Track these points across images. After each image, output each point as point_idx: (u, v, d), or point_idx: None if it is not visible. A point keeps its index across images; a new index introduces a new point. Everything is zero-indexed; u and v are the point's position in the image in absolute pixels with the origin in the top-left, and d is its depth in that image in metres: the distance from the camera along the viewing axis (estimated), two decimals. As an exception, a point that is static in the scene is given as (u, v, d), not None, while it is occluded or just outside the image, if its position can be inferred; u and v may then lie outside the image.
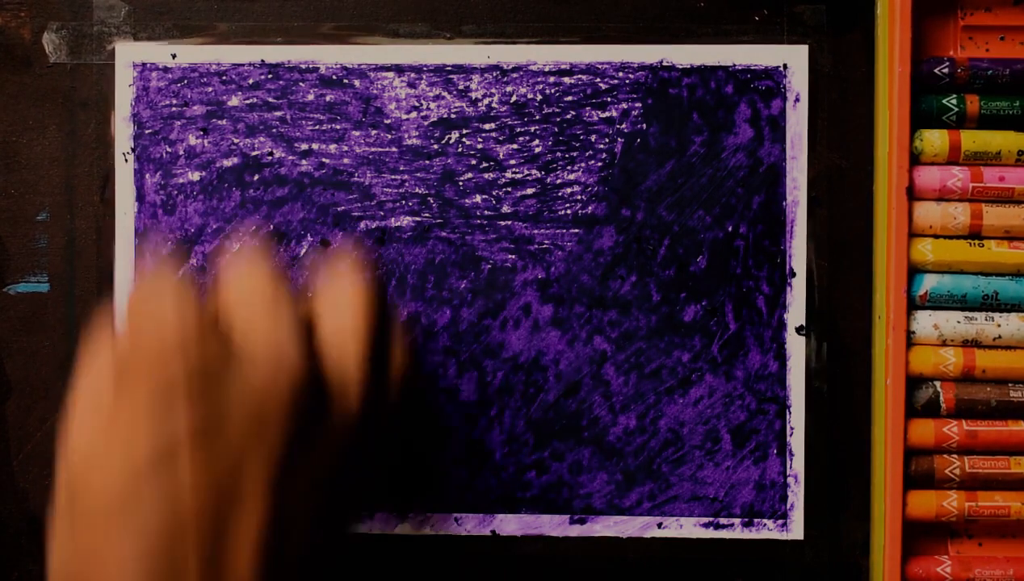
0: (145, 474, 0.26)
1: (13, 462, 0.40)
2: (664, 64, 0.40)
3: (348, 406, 0.30)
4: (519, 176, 0.40)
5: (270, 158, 0.40)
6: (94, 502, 0.26)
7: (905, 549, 0.39)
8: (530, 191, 0.40)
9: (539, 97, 0.40)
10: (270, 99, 0.40)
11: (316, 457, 0.29)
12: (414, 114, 0.40)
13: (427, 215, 0.40)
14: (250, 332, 0.28)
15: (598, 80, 0.40)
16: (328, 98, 0.40)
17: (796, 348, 0.40)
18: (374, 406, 0.31)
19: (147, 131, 0.40)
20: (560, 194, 0.40)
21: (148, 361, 0.27)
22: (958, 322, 0.39)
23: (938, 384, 0.39)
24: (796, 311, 0.40)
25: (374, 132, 0.40)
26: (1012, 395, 0.38)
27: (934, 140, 0.38)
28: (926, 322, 0.39)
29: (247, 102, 0.40)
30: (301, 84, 0.40)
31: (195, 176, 0.40)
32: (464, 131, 0.40)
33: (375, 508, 0.40)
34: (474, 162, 0.40)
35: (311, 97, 0.40)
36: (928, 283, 0.39)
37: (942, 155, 0.39)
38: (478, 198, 0.40)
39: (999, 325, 0.39)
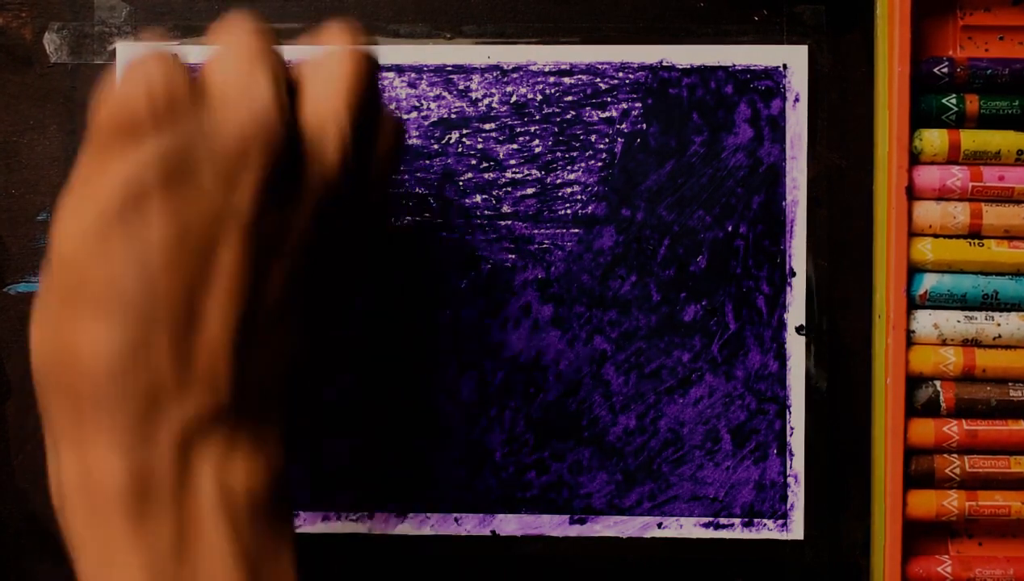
0: (115, 219, 0.25)
1: (13, 462, 0.40)
2: (664, 64, 0.40)
3: (324, 167, 0.29)
4: (519, 176, 0.40)
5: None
6: (67, 252, 0.26)
7: (905, 549, 0.39)
8: (530, 191, 0.40)
9: (539, 97, 0.40)
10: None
11: (294, 223, 0.28)
12: (414, 114, 0.40)
13: (427, 215, 0.40)
14: (229, 77, 0.28)
15: (598, 80, 0.40)
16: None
17: (796, 348, 0.40)
18: (356, 183, 0.30)
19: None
20: (560, 194, 0.40)
21: (116, 105, 0.26)
22: (958, 322, 0.39)
23: (938, 384, 0.39)
24: (796, 311, 0.40)
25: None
26: (1012, 395, 0.39)
27: (933, 140, 0.39)
28: (926, 322, 0.39)
29: (247, 102, 0.40)
30: (301, 84, 0.40)
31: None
32: (464, 131, 0.40)
33: (375, 508, 0.40)
34: (474, 162, 0.40)
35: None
36: (928, 283, 0.39)
37: (942, 155, 0.39)
38: (478, 198, 0.40)
39: (999, 324, 0.39)
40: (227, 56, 0.28)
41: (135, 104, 0.26)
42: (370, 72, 0.30)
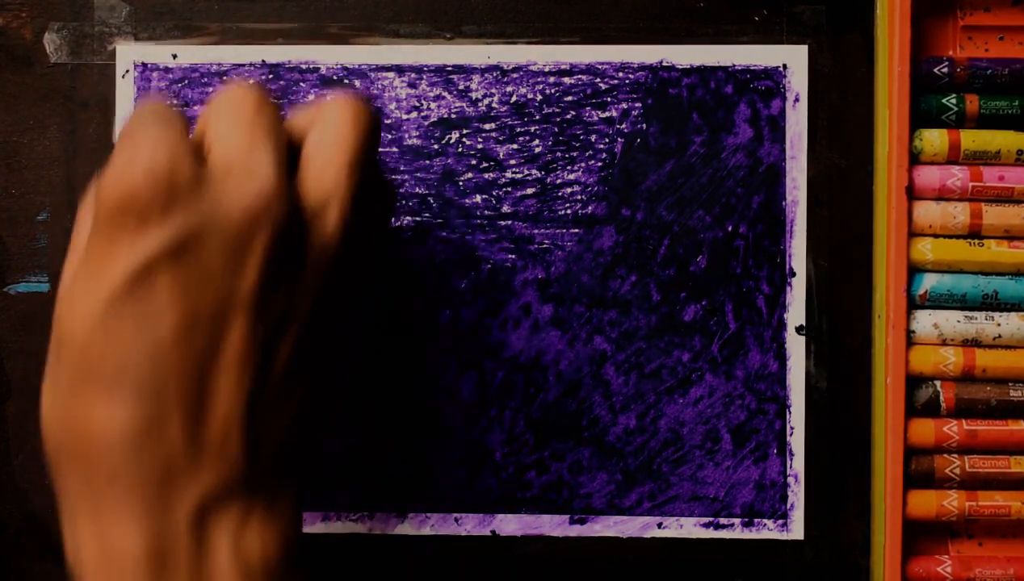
0: (124, 300, 0.25)
1: (13, 462, 0.40)
2: (664, 64, 0.40)
3: (326, 239, 0.29)
4: (519, 176, 0.40)
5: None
6: (77, 333, 0.26)
7: (905, 549, 0.39)
8: (530, 191, 0.40)
9: (539, 97, 0.40)
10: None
11: (298, 295, 0.28)
12: (414, 114, 0.40)
13: (427, 215, 0.40)
14: (230, 151, 0.28)
15: (598, 80, 0.40)
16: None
17: (796, 348, 0.40)
18: (353, 247, 0.30)
19: (147, 131, 0.40)
20: (560, 194, 0.40)
21: (121, 188, 0.26)
22: (958, 321, 0.39)
23: (938, 384, 0.39)
24: (796, 311, 0.40)
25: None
26: (1012, 395, 0.38)
27: (933, 140, 0.39)
28: (926, 321, 0.39)
29: (247, 102, 0.40)
30: (302, 84, 0.40)
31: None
32: (464, 131, 0.40)
33: (375, 508, 0.40)
34: (474, 162, 0.40)
35: (312, 97, 0.40)
36: (928, 282, 0.39)
37: (941, 154, 0.39)
38: (478, 198, 0.40)
39: (999, 324, 0.39)
40: (228, 127, 0.28)
41: (139, 189, 0.26)
42: (373, 137, 0.30)
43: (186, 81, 0.40)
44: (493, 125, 0.40)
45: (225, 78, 0.40)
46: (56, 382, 0.27)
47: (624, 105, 0.40)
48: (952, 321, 0.39)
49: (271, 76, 0.40)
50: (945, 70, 0.39)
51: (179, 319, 0.26)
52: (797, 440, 0.40)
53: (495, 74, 0.40)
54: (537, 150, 0.40)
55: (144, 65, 0.40)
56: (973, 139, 0.39)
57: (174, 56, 0.40)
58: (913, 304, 0.39)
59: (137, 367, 0.26)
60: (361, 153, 0.30)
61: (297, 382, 0.29)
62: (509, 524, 0.40)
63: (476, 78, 0.40)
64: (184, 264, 0.26)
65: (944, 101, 0.39)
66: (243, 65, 0.40)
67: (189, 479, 0.26)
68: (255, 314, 0.27)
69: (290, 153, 0.29)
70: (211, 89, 0.40)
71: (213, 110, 0.29)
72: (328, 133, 0.29)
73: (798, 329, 0.40)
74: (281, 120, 0.29)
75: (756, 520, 0.40)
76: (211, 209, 0.26)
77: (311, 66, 0.40)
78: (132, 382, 0.26)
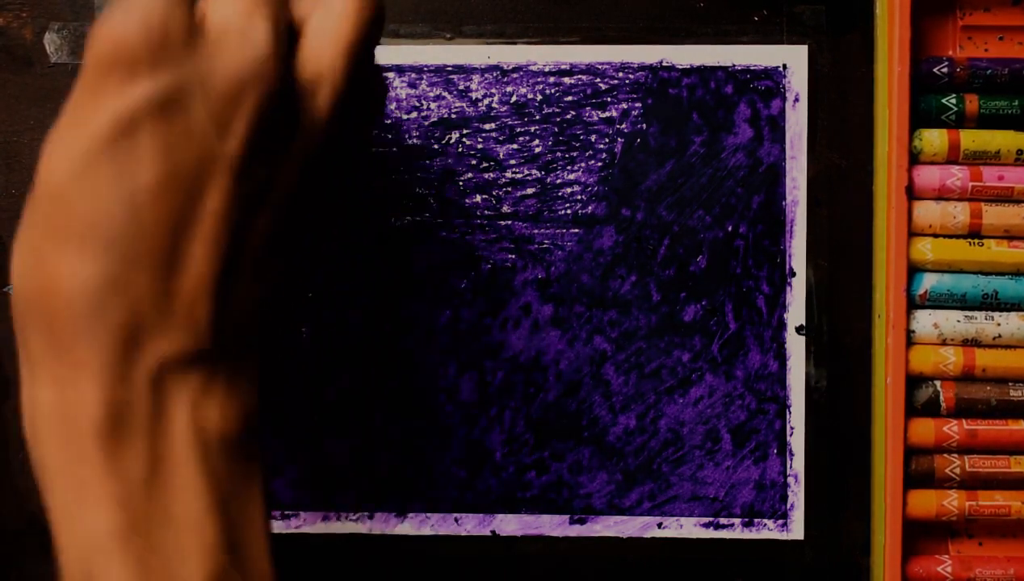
0: (104, 153, 0.25)
1: (13, 462, 0.40)
2: (664, 64, 0.40)
3: (315, 117, 0.29)
4: (519, 176, 0.40)
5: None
6: (53, 182, 0.26)
7: (905, 549, 0.39)
8: (530, 191, 0.40)
9: (539, 97, 0.40)
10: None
11: (282, 171, 0.28)
12: (414, 114, 0.40)
13: (427, 215, 0.40)
14: (228, 17, 0.27)
15: (598, 80, 0.40)
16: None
17: (796, 348, 0.40)
18: (340, 134, 0.30)
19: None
20: (560, 194, 0.40)
21: (113, 36, 0.26)
22: (958, 321, 0.39)
23: (938, 383, 0.39)
24: (796, 311, 0.40)
25: (374, 132, 0.40)
26: (1012, 394, 0.39)
27: (933, 139, 0.39)
28: (926, 321, 0.39)
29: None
30: (301, 84, 0.40)
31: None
32: (464, 131, 0.40)
33: (375, 508, 0.40)
34: (474, 162, 0.40)
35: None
36: (928, 282, 0.39)
37: (941, 154, 0.39)
38: (478, 198, 0.40)
39: (999, 324, 0.39)
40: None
41: (132, 39, 0.26)
42: (374, 28, 0.30)
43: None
44: (493, 125, 0.40)
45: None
46: (28, 235, 0.26)
47: (624, 105, 0.40)
48: (952, 321, 0.39)
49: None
50: (945, 70, 0.39)
51: (158, 175, 0.26)
52: (797, 440, 0.40)
53: (495, 74, 0.40)
54: (537, 150, 0.40)
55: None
56: (973, 139, 0.39)
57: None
58: (913, 304, 0.39)
59: (110, 221, 0.25)
60: (361, 39, 0.29)
61: (271, 257, 0.28)
62: (509, 524, 0.40)
63: (476, 78, 0.40)
64: (169, 120, 0.26)
65: (944, 101, 0.39)
66: None
67: (152, 341, 0.26)
68: (237, 179, 0.27)
69: (290, 32, 0.29)
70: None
71: None
72: (331, 15, 0.29)
73: (798, 329, 0.40)
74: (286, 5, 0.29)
75: (756, 520, 0.40)
76: (202, 68, 0.26)
77: (311, 66, 0.40)
78: (104, 236, 0.25)
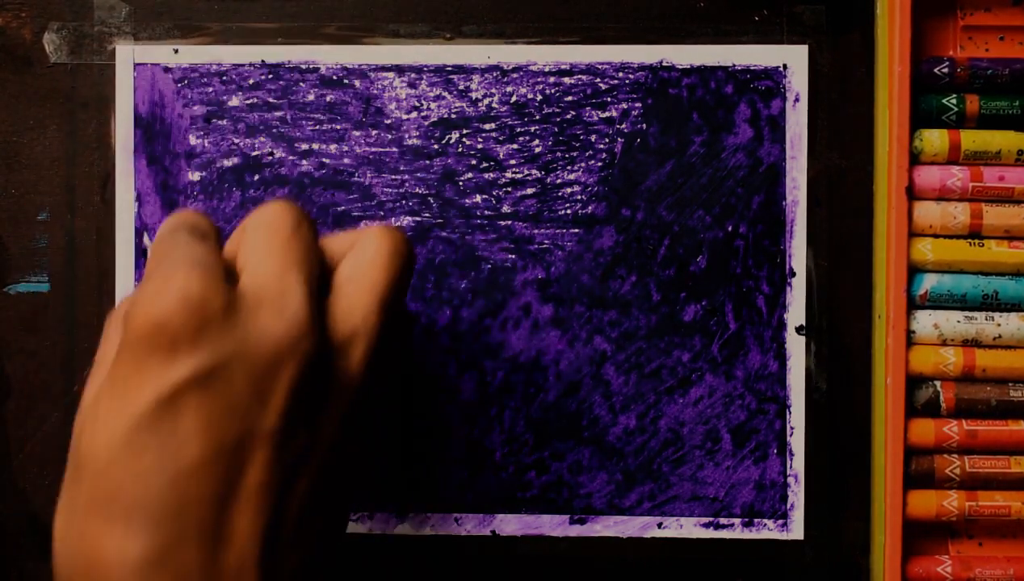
0: (148, 429, 0.25)
1: (13, 462, 0.40)
2: (664, 64, 0.40)
3: (350, 374, 0.29)
4: (519, 176, 0.40)
5: (270, 158, 0.40)
6: (98, 457, 0.26)
7: (905, 549, 0.39)
8: (530, 191, 0.40)
9: (539, 97, 0.40)
10: (270, 99, 0.40)
11: (321, 432, 0.28)
12: (414, 114, 0.40)
13: (427, 215, 0.40)
14: (262, 281, 0.27)
15: (598, 80, 0.40)
16: (328, 98, 0.40)
17: (796, 348, 0.40)
18: (373, 377, 0.30)
19: (147, 131, 0.40)
20: (560, 194, 0.40)
21: (154, 313, 0.26)
22: (958, 322, 0.39)
23: (938, 384, 0.39)
24: (796, 311, 0.40)
25: (374, 132, 0.40)
26: (1012, 395, 0.39)
27: (934, 140, 0.38)
28: (926, 322, 0.39)
29: (247, 102, 0.40)
30: (301, 84, 0.40)
31: (195, 176, 0.40)
32: (464, 131, 0.40)
33: (375, 508, 0.40)
34: (474, 162, 0.40)
35: (311, 97, 0.40)
36: (928, 283, 0.39)
37: (942, 155, 0.39)
38: (478, 198, 0.40)
39: (999, 325, 0.39)
40: (262, 250, 0.28)
41: (172, 317, 0.25)
42: (406, 275, 0.30)
43: (185, 81, 0.40)
44: (493, 125, 0.40)
45: (225, 78, 0.40)
46: (72, 503, 0.26)
47: (624, 105, 0.40)
48: (952, 321, 0.39)
49: (271, 76, 0.40)
50: (945, 70, 0.39)
51: (202, 450, 0.25)
52: (797, 440, 0.40)
53: (495, 74, 0.40)
54: (537, 150, 0.40)
55: (144, 65, 0.40)
56: (973, 139, 0.39)
57: (176, 51, 0.40)
58: (913, 304, 0.39)
59: (157, 497, 0.25)
60: (392, 291, 0.29)
61: (315, 516, 0.28)
62: (509, 524, 0.40)
63: (476, 78, 0.40)
64: (211, 394, 0.26)
65: (944, 101, 0.39)
66: (243, 65, 0.40)
67: None
68: (277, 448, 0.27)
69: (322, 276, 0.29)
70: (211, 89, 0.40)
71: (249, 227, 0.29)
72: (362, 265, 0.29)
73: (798, 329, 0.40)
74: (316, 244, 0.29)
75: (756, 520, 0.40)
76: (241, 339, 0.26)
77: (311, 66, 0.40)
78: (150, 512, 0.25)
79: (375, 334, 0.29)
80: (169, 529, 0.25)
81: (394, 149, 0.40)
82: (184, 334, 0.26)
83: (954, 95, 0.39)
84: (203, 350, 0.26)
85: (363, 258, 0.29)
